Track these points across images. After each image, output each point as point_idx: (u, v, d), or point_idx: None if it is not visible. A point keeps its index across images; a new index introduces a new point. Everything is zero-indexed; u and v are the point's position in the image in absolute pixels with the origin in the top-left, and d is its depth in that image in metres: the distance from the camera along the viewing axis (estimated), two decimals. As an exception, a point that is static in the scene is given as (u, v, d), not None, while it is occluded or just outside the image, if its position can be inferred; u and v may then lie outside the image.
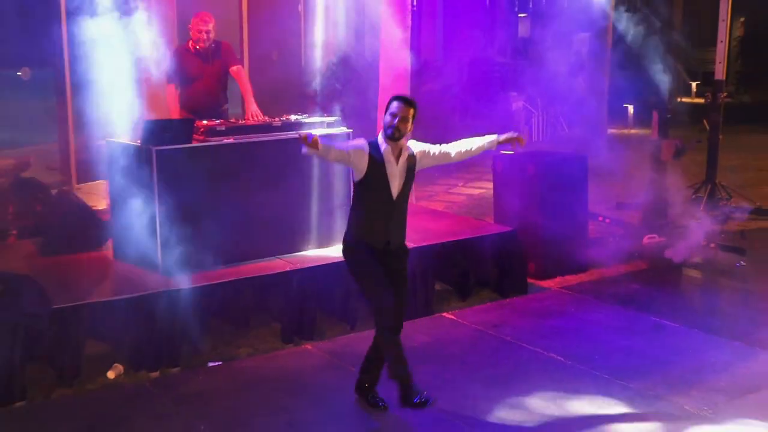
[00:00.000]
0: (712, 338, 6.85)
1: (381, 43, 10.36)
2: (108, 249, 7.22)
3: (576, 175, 8.70)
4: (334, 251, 7.08)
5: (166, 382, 6.07)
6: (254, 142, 7.01)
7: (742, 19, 23.61)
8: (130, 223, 6.80)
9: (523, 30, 19.54)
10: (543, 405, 5.70)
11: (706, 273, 8.43)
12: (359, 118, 9.92)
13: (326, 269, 6.88)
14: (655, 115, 9.77)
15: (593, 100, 16.15)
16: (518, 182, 8.56)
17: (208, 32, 7.57)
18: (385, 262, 5.26)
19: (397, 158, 5.19)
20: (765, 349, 6.60)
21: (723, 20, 10.46)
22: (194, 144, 6.70)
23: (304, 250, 7.14)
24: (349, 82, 11.55)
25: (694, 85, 23.97)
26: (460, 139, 5.53)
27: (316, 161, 7.12)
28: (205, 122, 6.96)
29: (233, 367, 6.34)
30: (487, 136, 5.52)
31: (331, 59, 11.10)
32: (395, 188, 5.20)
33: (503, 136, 5.49)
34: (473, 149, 5.49)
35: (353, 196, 5.50)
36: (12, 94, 9.16)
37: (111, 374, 6.09)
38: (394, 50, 10.01)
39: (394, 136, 5.09)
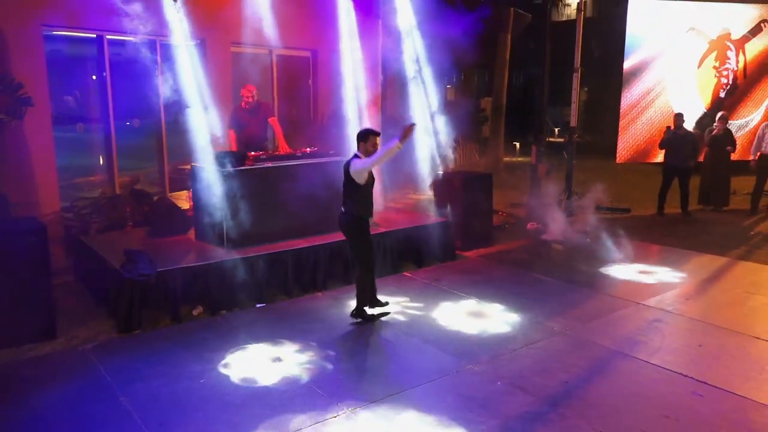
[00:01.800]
0: (571, 286, 7.06)
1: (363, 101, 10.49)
2: (191, 234, 7.24)
3: (485, 186, 8.86)
4: (335, 236, 7.23)
5: (229, 316, 6.15)
6: (284, 165, 7.11)
7: (586, 89, 24.30)
8: (205, 217, 6.87)
9: (449, 95, 19.82)
10: (463, 320, 5.92)
11: (566, 246, 8.63)
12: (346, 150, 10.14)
13: (331, 246, 7.00)
14: (534, 147, 9.99)
15: (495, 140, 16.40)
16: (449, 190, 8.71)
17: (252, 96, 7.69)
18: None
19: None
20: (604, 293, 6.83)
21: (575, 89, 10.68)
22: (246, 167, 6.77)
23: (317, 234, 7.21)
24: (340, 128, 11.66)
25: (556, 130, 24.41)
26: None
27: (323, 177, 7.23)
28: (252, 153, 7.03)
29: (273, 307, 6.42)
30: (389, 146, 5.42)
31: (326, 113, 11.22)
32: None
33: (396, 140, 5.38)
34: (387, 156, 5.54)
35: (357, 191, 5.71)
36: (127, 136, 9.16)
37: (195, 312, 6.16)
38: (370, 105, 10.14)
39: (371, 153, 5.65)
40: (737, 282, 7.18)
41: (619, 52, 12.71)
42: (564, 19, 26.42)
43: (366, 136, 5.68)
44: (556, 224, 9.10)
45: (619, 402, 4.47)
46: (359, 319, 5.93)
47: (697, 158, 10.81)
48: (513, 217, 10.31)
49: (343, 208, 5.84)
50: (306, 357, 5.18)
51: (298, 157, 7.27)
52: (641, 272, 7.55)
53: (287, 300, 6.60)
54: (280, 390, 4.63)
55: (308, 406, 4.37)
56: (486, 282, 7.20)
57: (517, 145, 20.05)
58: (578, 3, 10.55)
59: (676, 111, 11.26)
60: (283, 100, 11.59)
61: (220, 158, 6.64)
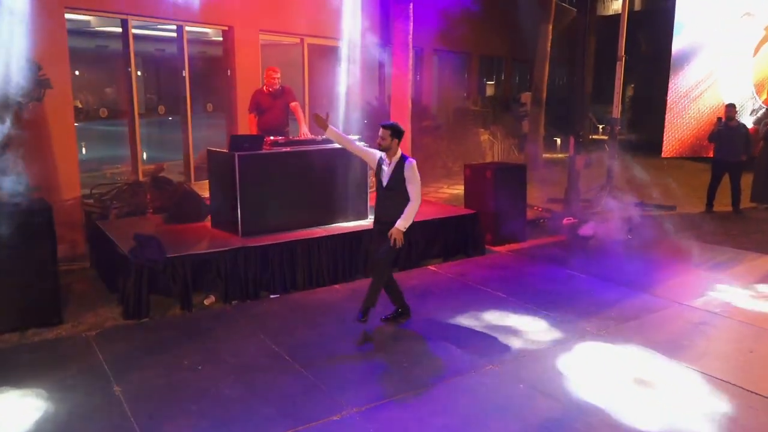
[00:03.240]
0: (607, 284, 6.52)
1: (392, 90, 10.14)
2: (208, 221, 6.99)
3: (518, 178, 8.37)
4: (355, 224, 6.88)
5: (241, 306, 5.85)
6: (303, 150, 6.76)
7: (632, 85, 23.43)
8: (221, 203, 6.61)
9: (488, 90, 19.32)
10: (489, 319, 5.49)
11: (605, 242, 8.06)
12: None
13: (351, 236, 6.64)
14: (572, 138, 9.41)
15: (534, 135, 15.84)
16: (480, 183, 8.25)
17: (276, 79, 7.39)
18: (376, 230, 5.30)
19: (389, 162, 5.14)
20: (642, 291, 6.28)
21: (618, 78, 10.10)
22: (263, 151, 6.46)
23: (335, 223, 6.87)
24: (371, 116, 11.36)
25: (600, 127, 23.51)
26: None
27: (343, 164, 6.89)
28: (272, 138, 6.73)
29: (287, 298, 6.10)
30: (406, 213, 5.09)
31: (357, 101, 10.92)
32: (385, 180, 5.16)
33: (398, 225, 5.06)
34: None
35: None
36: (155, 129, 9.20)
37: (207, 302, 5.88)
38: (400, 96, 9.76)
39: (380, 147, 5.15)
40: (794, 284, 6.53)
41: (668, 46, 12.01)
42: (611, 13, 25.53)
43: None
44: (595, 220, 8.54)
45: (655, 414, 3.97)
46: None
47: (749, 153, 10.06)
48: (549, 212, 9.76)
49: None
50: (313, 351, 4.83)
51: (319, 143, 6.92)
52: (686, 270, 6.96)
53: (303, 291, 6.27)
54: (278, 386, 4.29)
55: (310, 406, 4.02)
56: (515, 278, 6.73)
57: (558, 140, 19.33)
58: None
59: (728, 102, 10.51)
60: (312, 86, 11.36)
61: (237, 142, 6.34)
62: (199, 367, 4.53)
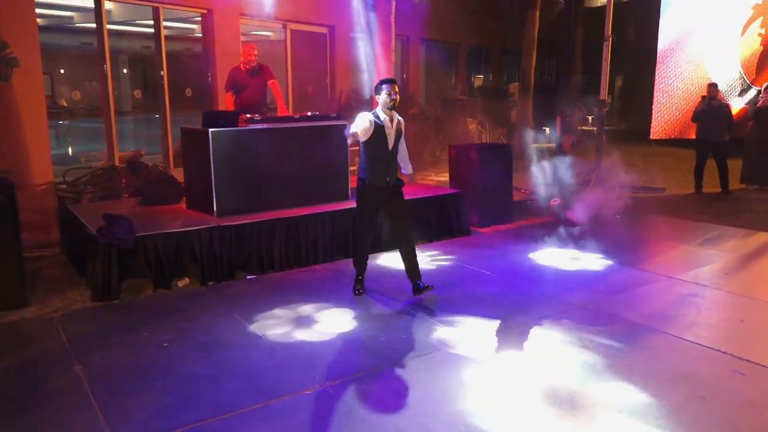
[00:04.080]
0: (594, 259, 6.36)
1: (375, 71, 9.94)
2: (183, 203, 6.76)
3: (503, 158, 8.17)
4: (337, 205, 6.67)
5: (216, 287, 5.63)
6: (281, 127, 6.53)
7: (621, 76, 23.36)
8: (195, 183, 6.39)
9: (476, 82, 19.17)
10: (475, 294, 5.29)
11: (592, 222, 7.89)
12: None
13: (332, 215, 6.43)
14: (558, 119, 9.23)
15: (523, 124, 15.67)
16: (465, 163, 8.06)
17: (254, 55, 7.18)
18: (383, 198, 5.07)
19: (391, 123, 4.97)
20: (631, 267, 6.12)
21: (605, 59, 9.92)
22: (238, 128, 6.24)
23: (315, 203, 6.64)
24: (357, 103, 11.15)
25: (590, 118, 23.38)
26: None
27: (324, 142, 6.68)
28: (248, 115, 6.52)
29: (264, 279, 5.89)
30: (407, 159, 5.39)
31: (342, 88, 10.73)
32: (391, 143, 5.00)
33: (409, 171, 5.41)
34: (400, 155, 5.27)
35: (362, 150, 5.06)
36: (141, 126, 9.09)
37: (181, 284, 5.65)
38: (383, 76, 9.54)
39: (394, 106, 4.93)
40: (785, 257, 6.39)
41: (656, 34, 11.83)
42: (599, 5, 25.42)
43: (378, 88, 5.01)
44: (583, 200, 8.36)
45: (643, 380, 3.78)
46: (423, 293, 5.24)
47: (732, 132, 9.92)
48: (536, 194, 9.57)
49: None
50: (284, 329, 4.63)
51: (297, 120, 6.71)
52: (674, 247, 6.80)
53: (281, 272, 6.06)
54: (250, 362, 4.08)
55: (283, 380, 3.82)
56: (501, 257, 6.55)
57: (547, 130, 19.22)
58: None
59: (710, 82, 10.37)
60: (296, 74, 11.15)
61: (210, 118, 6.12)
62: (166, 344, 4.32)
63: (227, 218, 5.97)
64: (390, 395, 3.62)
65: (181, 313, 4.97)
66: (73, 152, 11.59)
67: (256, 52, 7.19)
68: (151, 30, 9.29)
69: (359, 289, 5.37)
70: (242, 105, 7.06)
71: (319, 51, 11.98)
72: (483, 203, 7.86)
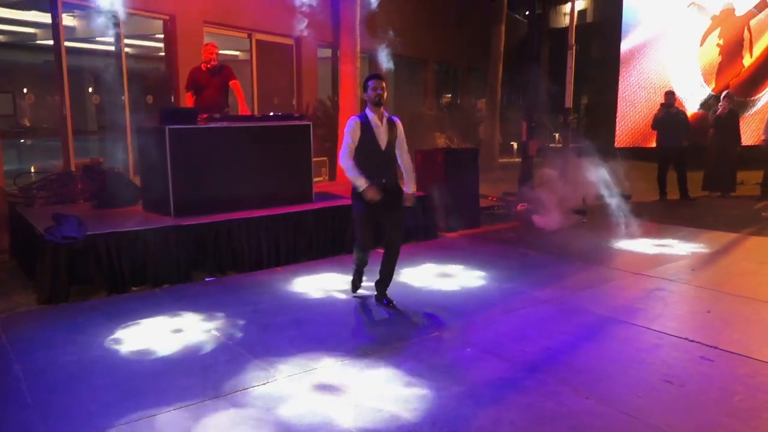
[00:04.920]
0: (562, 259, 6.30)
1: (341, 76, 9.89)
2: (140, 206, 6.52)
3: (469, 162, 8.11)
4: (300, 207, 6.48)
5: (171, 289, 5.39)
6: (242, 126, 6.35)
7: (587, 95, 23.84)
8: (151, 183, 6.17)
9: (444, 98, 19.28)
10: (436, 291, 5.16)
11: (559, 226, 7.84)
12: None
13: (293, 217, 6.24)
14: (524, 124, 9.22)
15: (489, 135, 15.77)
16: (432, 168, 7.96)
17: (215, 54, 7.00)
18: (380, 201, 4.54)
19: (381, 120, 4.61)
20: (598, 264, 6.06)
21: (570, 68, 10.01)
22: (196, 126, 6.05)
23: (278, 205, 6.45)
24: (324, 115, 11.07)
25: (557, 135, 23.67)
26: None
27: (286, 142, 6.52)
28: (207, 115, 6.34)
29: (223, 281, 5.67)
30: (410, 177, 4.84)
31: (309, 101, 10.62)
32: (383, 143, 4.59)
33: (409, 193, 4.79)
34: (403, 168, 4.83)
35: (355, 153, 4.59)
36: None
37: (135, 287, 5.40)
38: (348, 83, 9.49)
39: (380, 102, 4.55)
40: (749, 254, 6.40)
41: (619, 53, 12.02)
42: (564, 26, 25.94)
43: (365, 85, 4.73)
44: (549, 205, 8.32)
45: (610, 368, 3.68)
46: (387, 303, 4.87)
47: (689, 138, 10.05)
48: (503, 201, 9.53)
49: None
50: (218, 326, 4.42)
51: (258, 119, 6.55)
52: (640, 246, 6.78)
53: (241, 274, 5.84)
54: (203, 358, 3.87)
55: (230, 372, 3.61)
56: (468, 256, 6.43)
57: (515, 145, 19.31)
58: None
59: (667, 90, 10.53)
60: (262, 87, 11.00)
61: (167, 115, 5.92)
62: (114, 345, 4.07)
63: (185, 219, 5.75)
64: (350, 381, 3.44)
65: (133, 314, 4.71)
66: (33, 167, 11.26)
67: (217, 50, 7.02)
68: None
69: (357, 284, 5.10)
70: (202, 105, 6.86)
71: (285, 62, 11.86)
72: (450, 208, 7.75)
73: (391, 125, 4.67)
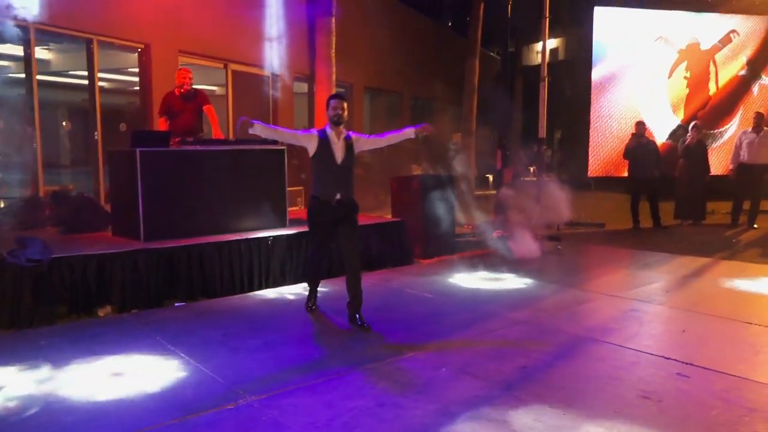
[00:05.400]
0: (539, 283, 6.27)
1: (316, 103, 9.92)
2: (110, 231, 6.38)
3: (445, 188, 8.11)
4: (271, 232, 6.39)
5: (140, 314, 5.22)
6: (214, 150, 6.28)
7: (560, 130, 24.30)
8: (122, 207, 6.05)
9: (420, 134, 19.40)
10: (412, 313, 5.11)
11: (534, 253, 7.84)
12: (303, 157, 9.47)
13: (267, 241, 6.15)
14: (498, 152, 9.30)
15: (464, 167, 15.85)
16: (407, 194, 7.96)
17: (189, 78, 6.95)
18: (337, 216, 4.79)
19: (338, 137, 4.79)
20: (574, 288, 6.05)
21: (542, 98, 10.16)
22: (168, 149, 5.98)
23: (251, 229, 6.37)
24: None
25: (531, 169, 24.02)
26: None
27: (260, 167, 6.47)
28: (180, 138, 6.28)
29: (194, 306, 5.52)
30: (404, 129, 4.99)
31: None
32: (339, 158, 4.76)
33: (417, 127, 4.93)
34: (397, 135, 5.03)
35: (312, 167, 4.91)
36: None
37: (102, 312, 5.22)
38: (325, 122, 9.51)
39: (339, 121, 4.76)
40: (722, 277, 6.44)
41: (590, 91, 12.33)
42: (536, 64, 26.54)
43: (327, 103, 4.92)
44: (525, 233, 8.34)
45: (587, 385, 3.63)
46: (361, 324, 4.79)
47: (660, 168, 10.23)
48: (479, 229, 9.53)
49: None
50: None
51: (231, 143, 6.51)
52: (614, 271, 6.81)
53: (213, 299, 5.70)
54: (169, 381, 3.73)
55: (204, 397, 3.48)
56: (442, 281, 6.38)
57: (490, 177, 19.51)
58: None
59: (638, 120, 10.76)
60: (237, 109, 10.97)
61: (139, 138, 5.85)
62: (74, 367, 3.91)
63: (155, 243, 5.63)
64: (320, 407, 3.32)
65: (97, 338, 4.55)
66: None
67: (191, 76, 6.97)
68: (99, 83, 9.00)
69: (310, 304, 5.21)
70: (177, 130, 6.78)
71: (261, 93, 11.88)
72: (426, 234, 7.73)
73: (348, 142, 4.84)
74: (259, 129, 4.66)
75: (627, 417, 3.16)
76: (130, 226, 5.86)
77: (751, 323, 4.76)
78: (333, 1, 9.62)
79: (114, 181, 6.21)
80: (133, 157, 5.68)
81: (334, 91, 10.08)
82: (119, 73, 11.66)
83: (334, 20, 9.63)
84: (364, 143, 5.02)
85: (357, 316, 4.80)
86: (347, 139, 4.84)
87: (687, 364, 3.89)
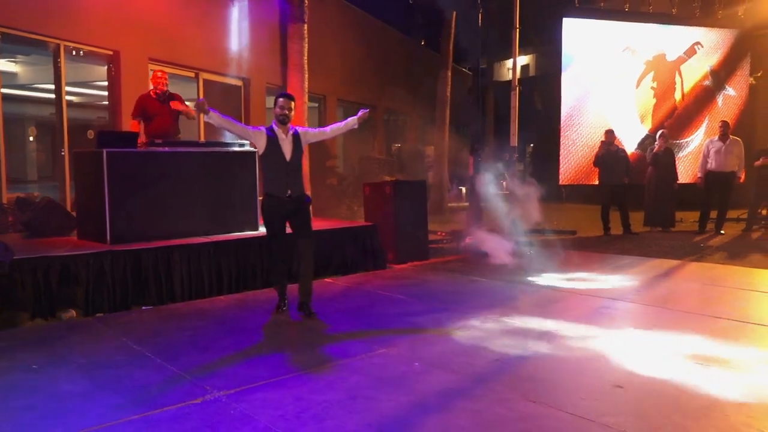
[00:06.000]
0: (510, 284, 6.28)
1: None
2: (75, 235, 6.23)
3: (418, 194, 8.12)
4: (241, 235, 6.31)
5: (106, 317, 5.09)
6: (182, 152, 6.19)
7: (532, 144, 24.59)
8: (87, 210, 5.91)
9: (394, 147, 19.52)
10: (386, 314, 5.08)
11: (506, 257, 7.85)
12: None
13: (238, 244, 6.06)
14: (471, 158, 9.35)
15: (437, 178, 15.98)
16: (380, 200, 7.93)
17: (165, 80, 6.83)
18: (289, 210, 4.94)
19: (285, 135, 4.91)
20: (545, 288, 6.07)
21: (513, 107, 10.27)
22: (134, 150, 5.87)
23: (222, 233, 6.27)
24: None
25: (504, 183, 24.24)
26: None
27: (231, 169, 6.39)
28: (148, 140, 6.18)
29: (162, 309, 5.40)
30: (347, 120, 5.19)
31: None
32: (288, 154, 4.90)
33: (357, 116, 5.12)
34: (341, 127, 5.23)
35: (262, 165, 5.07)
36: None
37: (66, 316, 5.06)
38: (296, 118, 9.45)
39: (285, 120, 4.89)
40: (692, 277, 6.55)
41: (560, 97, 12.54)
42: (507, 79, 26.92)
43: (275, 101, 4.99)
44: (497, 239, 8.37)
45: (560, 376, 3.62)
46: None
47: (630, 175, 10.39)
48: (452, 236, 9.56)
49: None
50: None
51: (201, 145, 6.42)
52: (587, 272, 6.85)
53: (181, 303, 5.58)
54: (133, 379, 3.62)
55: (169, 393, 3.38)
56: (416, 285, 6.36)
57: (463, 189, 19.64)
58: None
59: (607, 129, 10.94)
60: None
61: (106, 139, 5.74)
62: (35, 366, 3.78)
63: (122, 245, 5.50)
64: (289, 401, 3.25)
65: (61, 340, 4.43)
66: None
67: (167, 77, 6.84)
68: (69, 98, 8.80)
69: (281, 305, 5.17)
70: (153, 133, 6.64)
71: (233, 102, 11.80)
72: (399, 240, 7.70)
73: (296, 138, 4.96)
74: (214, 117, 4.76)
75: (601, 404, 3.15)
76: (96, 229, 5.72)
77: (719, 318, 4.81)
78: (305, 8, 9.59)
79: (80, 183, 6.08)
80: (100, 158, 5.56)
81: (306, 100, 10.05)
82: (87, 87, 11.52)
83: (306, 27, 9.61)
84: (312, 136, 5.22)
85: (307, 303, 4.96)
86: (294, 134, 4.95)
87: (660, 354, 3.91)
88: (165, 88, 6.84)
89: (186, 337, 4.43)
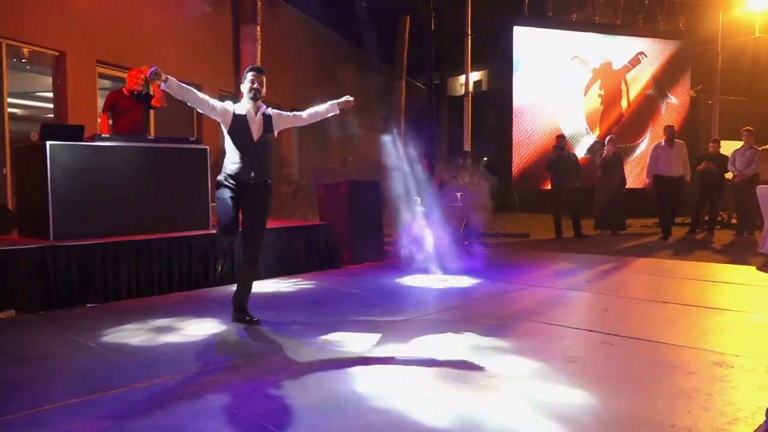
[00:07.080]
0: (466, 278, 6.28)
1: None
2: (15, 234, 5.97)
3: (374, 194, 8.11)
4: (191, 232, 6.15)
5: (49, 314, 4.86)
6: (131, 146, 6.00)
7: (485, 158, 24.92)
8: (29, 206, 5.68)
9: (349, 158, 19.44)
10: (345, 306, 5.00)
11: (461, 258, 7.90)
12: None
13: (189, 240, 5.90)
14: (424, 161, 9.40)
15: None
16: (335, 201, 7.88)
17: (141, 80, 6.61)
18: (247, 197, 4.33)
19: (256, 113, 4.37)
20: (500, 281, 6.11)
21: (467, 113, 10.39)
22: (83, 143, 5.68)
23: (169, 230, 6.07)
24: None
25: (458, 195, 24.43)
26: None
27: (182, 164, 6.25)
28: (95, 134, 5.97)
29: (106, 306, 5.18)
30: (328, 102, 4.65)
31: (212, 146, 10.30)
32: (255, 134, 4.35)
33: (339, 100, 4.64)
34: (320, 112, 4.64)
35: (226, 142, 4.42)
36: None
37: (4, 315, 4.81)
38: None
39: (256, 96, 4.34)
40: (640, 269, 6.71)
41: (512, 107, 12.79)
42: (461, 94, 27.32)
43: (243, 76, 4.49)
44: (451, 237, 8.41)
45: (520, 355, 3.61)
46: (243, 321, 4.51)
47: (581, 178, 10.64)
48: (407, 236, 9.54)
49: None
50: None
51: (150, 140, 6.26)
52: (539, 268, 6.95)
53: (129, 300, 5.39)
54: (76, 368, 3.46)
55: (112, 378, 3.24)
56: (369, 281, 6.31)
57: (419, 200, 19.81)
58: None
59: (558, 134, 11.20)
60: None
61: (49, 131, 5.52)
62: (-28, 357, 3.57)
63: (65, 241, 5.29)
64: (240, 383, 3.16)
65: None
66: None
67: (143, 77, 6.60)
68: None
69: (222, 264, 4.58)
70: (121, 129, 6.40)
71: (186, 105, 11.56)
72: (354, 240, 7.65)
73: (267, 119, 4.44)
74: (173, 85, 4.16)
75: (555, 377, 3.16)
76: (38, 226, 5.49)
77: (667, 302, 4.93)
78: (257, 9, 9.53)
79: (21, 179, 5.84)
80: (42, 151, 5.35)
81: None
82: (30, 98, 11.12)
83: (259, 28, 9.55)
84: (285, 121, 4.58)
85: (245, 308, 4.49)
86: (266, 114, 4.44)
87: (611, 334, 3.97)
88: (139, 89, 6.64)
89: (133, 329, 4.26)
